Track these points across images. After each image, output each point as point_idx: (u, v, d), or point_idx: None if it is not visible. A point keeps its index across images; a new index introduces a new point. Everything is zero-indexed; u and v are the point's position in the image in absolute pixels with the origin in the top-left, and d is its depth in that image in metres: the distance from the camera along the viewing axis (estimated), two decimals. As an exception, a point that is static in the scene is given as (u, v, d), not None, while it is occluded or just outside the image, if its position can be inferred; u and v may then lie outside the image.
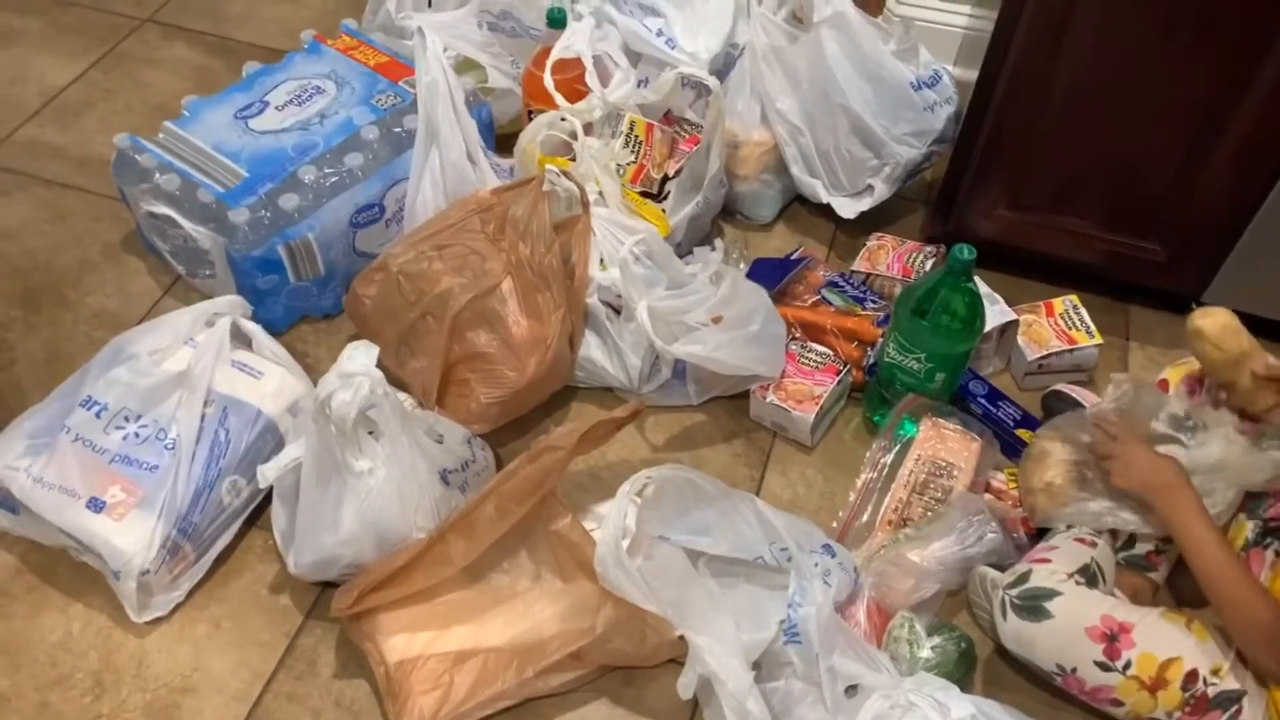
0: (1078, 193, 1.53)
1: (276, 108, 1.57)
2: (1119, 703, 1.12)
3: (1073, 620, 1.13)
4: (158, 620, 1.25)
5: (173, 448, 1.24)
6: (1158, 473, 1.16)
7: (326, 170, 1.49)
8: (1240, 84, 1.33)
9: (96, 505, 1.21)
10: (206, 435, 1.26)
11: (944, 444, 1.34)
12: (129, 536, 1.20)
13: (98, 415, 1.26)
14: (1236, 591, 1.07)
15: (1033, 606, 1.14)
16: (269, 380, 1.33)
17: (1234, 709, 1.08)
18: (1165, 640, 1.11)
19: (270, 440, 1.31)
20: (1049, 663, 1.14)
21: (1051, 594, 1.14)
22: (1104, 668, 1.11)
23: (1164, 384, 1.33)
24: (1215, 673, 1.09)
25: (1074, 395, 1.46)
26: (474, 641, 1.17)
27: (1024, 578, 1.17)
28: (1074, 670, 1.12)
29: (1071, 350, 1.50)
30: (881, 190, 1.64)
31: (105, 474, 1.22)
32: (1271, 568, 1.14)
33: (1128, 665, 1.10)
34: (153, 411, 1.27)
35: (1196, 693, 1.09)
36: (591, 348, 1.46)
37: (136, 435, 1.25)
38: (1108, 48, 1.35)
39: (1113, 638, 1.11)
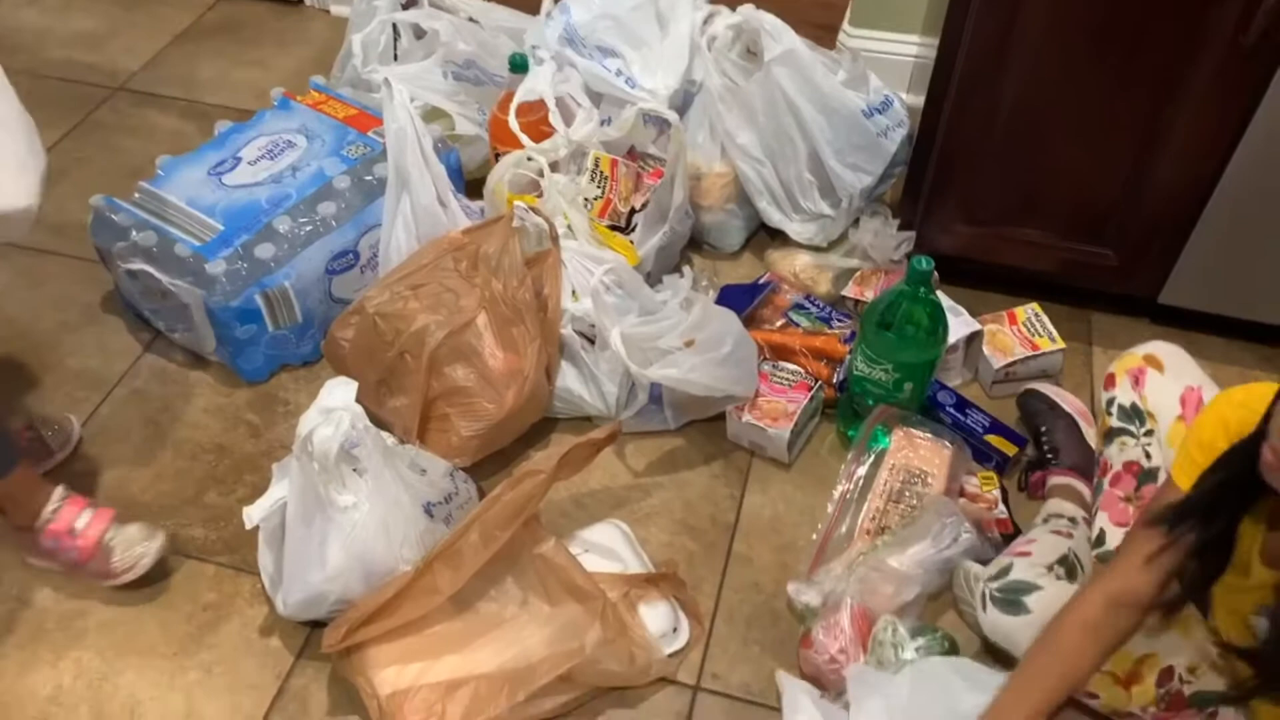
0: (1030, 205, 1.58)
1: (249, 163, 1.61)
2: (1093, 695, 1.13)
3: (1049, 614, 1.14)
4: (146, 669, 1.25)
5: None
6: None
7: (300, 220, 1.52)
8: (1172, 95, 1.39)
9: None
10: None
11: (916, 452, 1.37)
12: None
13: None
14: None
15: (1012, 600, 1.17)
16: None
17: (1210, 710, 1.08)
18: (1141, 636, 1.11)
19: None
20: None
21: (1031, 588, 1.17)
22: None
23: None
24: (1192, 671, 1.08)
25: (1049, 394, 1.48)
26: (465, 670, 1.18)
27: (1005, 570, 1.20)
28: None
29: (1036, 356, 1.54)
30: (842, 214, 1.69)
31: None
32: None
33: None
34: None
35: (1172, 690, 1.08)
36: (568, 378, 1.48)
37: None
38: (1045, 68, 1.41)
39: None
